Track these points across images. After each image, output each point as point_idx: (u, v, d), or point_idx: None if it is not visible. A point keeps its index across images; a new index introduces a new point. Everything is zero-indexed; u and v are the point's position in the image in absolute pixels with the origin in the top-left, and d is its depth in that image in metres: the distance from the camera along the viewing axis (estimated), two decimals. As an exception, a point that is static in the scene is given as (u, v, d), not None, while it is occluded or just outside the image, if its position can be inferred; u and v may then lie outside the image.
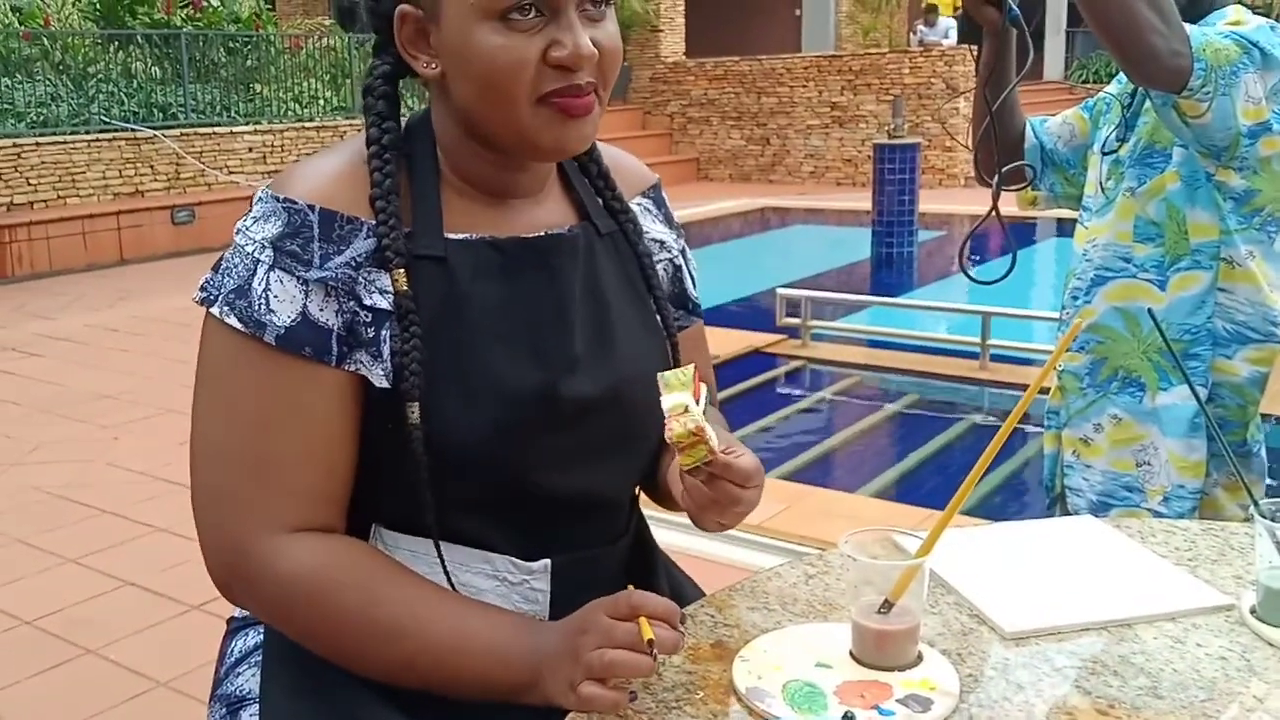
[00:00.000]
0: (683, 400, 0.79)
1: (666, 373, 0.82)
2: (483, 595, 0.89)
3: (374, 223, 0.85)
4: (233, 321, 0.83)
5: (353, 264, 0.85)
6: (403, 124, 0.92)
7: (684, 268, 1.06)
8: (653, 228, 1.03)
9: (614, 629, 0.76)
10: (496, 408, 0.81)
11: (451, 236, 0.88)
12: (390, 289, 0.85)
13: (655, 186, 1.07)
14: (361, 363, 0.85)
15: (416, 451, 0.84)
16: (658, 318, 0.99)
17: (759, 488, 0.85)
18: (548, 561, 0.90)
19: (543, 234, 0.92)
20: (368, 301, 0.85)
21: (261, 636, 0.95)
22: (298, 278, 0.84)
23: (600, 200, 0.98)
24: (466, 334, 0.86)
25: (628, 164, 1.05)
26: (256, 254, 0.84)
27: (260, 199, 0.86)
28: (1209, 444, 1.52)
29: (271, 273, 0.84)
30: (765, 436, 3.94)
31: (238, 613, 1.00)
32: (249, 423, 0.83)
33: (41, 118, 8.17)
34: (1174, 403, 1.53)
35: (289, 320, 0.83)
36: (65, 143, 7.93)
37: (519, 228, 0.91)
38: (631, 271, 0.98)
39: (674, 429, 0.77)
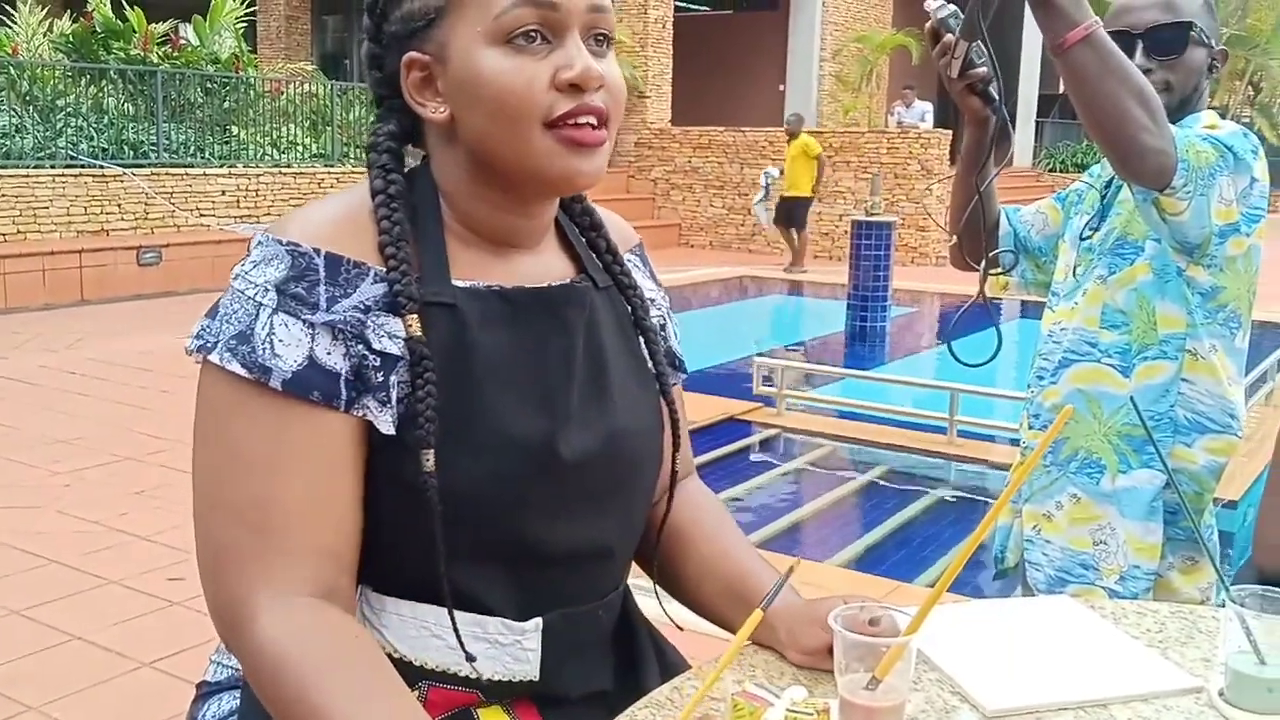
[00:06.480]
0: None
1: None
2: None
3: (381, 269, 0.84)
4: (235, 368, 0.80)
5: (361, 308, 0.83)
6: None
7: (668, 325, 1.08)
8: (643, 284, 1.04)
9: None
10: (498, 457, 0.78)
11: (459, 284, 0.87)
12: (400, 334, 0.83)
13: (640, 245, 1.08)
14: (369, 408, 0.83)
15: (431, 501, 0.81)
16: (653, 371, 0.99)
17: None
18: (539, 620, 0.89)
19: (550, 285, 0.92)
20: (376, 346, 0.83)
21: (237, 702, 0.91)
22: (303, 321, 0.82)
23: (595, 255, 0.99)
24: (474, 381, 0.85)
25: (614, 222, 1.05)
26: (258, 298, 0.82)
27: (260, 243, 0.84)
28: (1165, 528, 1.56)
29: (275, 316, 0.81)
30: (739, 503, 3.96)
31: (209, 676, 0.97)
32: (254, 472, 0.80)
33: (3, 149, 7.85)
34: (1133, 486, 1.56)
35: (296, 365, 0.81)
36: (28, 176, 7.63)
37: (523, 278, 0.91)
38: (626, 326, 0.98)
39: None
